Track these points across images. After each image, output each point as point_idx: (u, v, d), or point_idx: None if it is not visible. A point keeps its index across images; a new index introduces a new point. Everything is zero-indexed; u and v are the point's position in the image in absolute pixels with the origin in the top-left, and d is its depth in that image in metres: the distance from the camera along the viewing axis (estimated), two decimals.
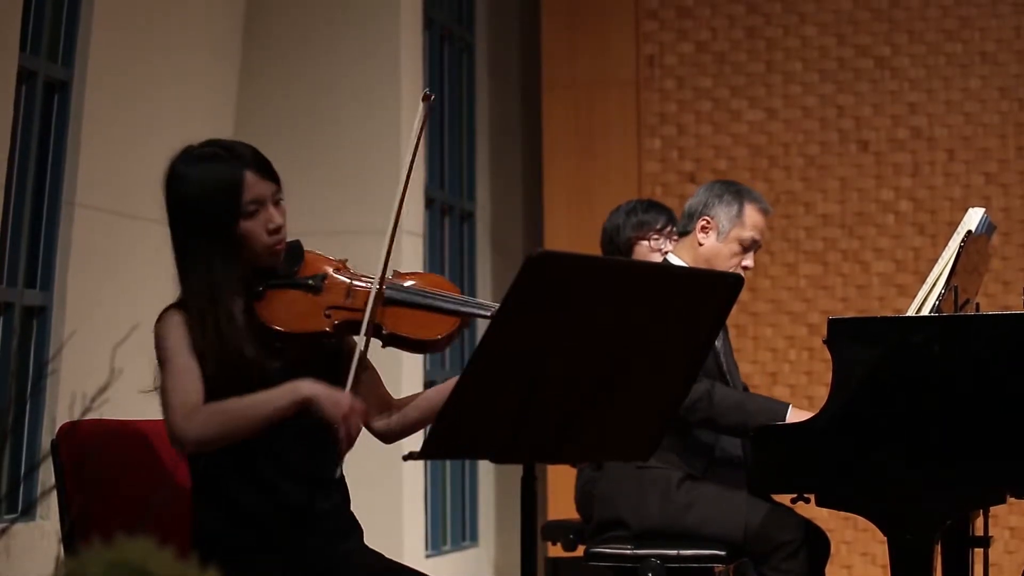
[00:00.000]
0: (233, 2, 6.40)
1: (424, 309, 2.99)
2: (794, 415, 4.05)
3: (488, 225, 7.96)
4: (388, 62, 6.48)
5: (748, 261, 4.33)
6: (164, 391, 2.86)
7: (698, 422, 4.16)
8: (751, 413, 4.05)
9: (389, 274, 3.01)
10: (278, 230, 2.96)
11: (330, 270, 3.03)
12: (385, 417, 3.10)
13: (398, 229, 3.01)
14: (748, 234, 4.30)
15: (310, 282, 3.00)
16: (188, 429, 2.81)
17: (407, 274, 3.09)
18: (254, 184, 2.94)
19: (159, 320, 2.93)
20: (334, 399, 2.84)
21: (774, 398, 4.59)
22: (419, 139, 2.99)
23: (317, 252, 3.08)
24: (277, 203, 2.98)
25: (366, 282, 3.00)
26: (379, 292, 2.96)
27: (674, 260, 4.37)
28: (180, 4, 5.91)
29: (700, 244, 4.31)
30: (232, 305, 2.93)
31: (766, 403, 4.19)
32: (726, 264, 4.29)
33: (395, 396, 3.16)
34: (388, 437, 3.12)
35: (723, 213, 4.30)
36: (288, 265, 3.01)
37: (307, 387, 2.85)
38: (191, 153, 2.99)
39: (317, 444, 2.99)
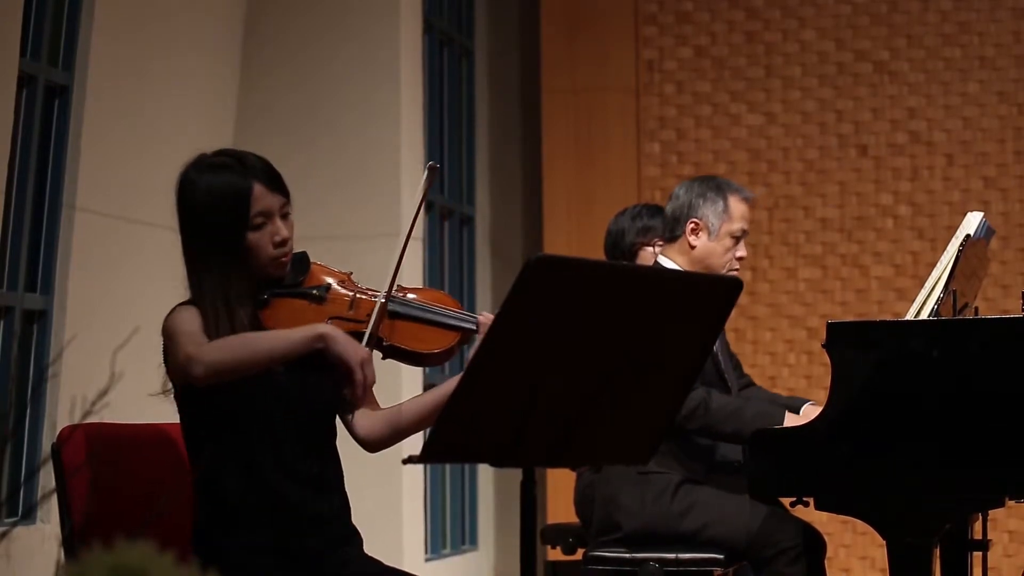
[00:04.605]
0: (233, 8, 6.40)
1: (425, 323, 3.05)
2: (789, 421, 4.05)
3: (488, 230, 7.97)
4: (388, 68, 6.49)
5: (741, 252, 4.35)
6: (174, 341, 2.87)
7: (696, 430, 4.16)
8: (747, 421, 4.05)
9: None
10: (284, 243, 2.99)
11: (334, 282, 3.08)
12: (370, 423, 3.10)
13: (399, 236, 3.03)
14: (737, 226, 4.32)
15: (314, 292, 3.04)
16: (202, 354, 2.82)
17: (410, 288, 3.13)
18: (262, 196, 2.96)
19: (171, 313, 2.95)
20: (352, 342, 2.89)
21: (791, 397, 4.49)
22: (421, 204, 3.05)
23: (322, 264, 3.11)
24: (285, 216, 3.00)
25: (370, 294, 3.05)
26: (383, 305, 3.00)
27: (665, 263, 4.36)
28: (180, 9, 5.91)
29: (692, 247, 4.32)
30: (239, 311, 2.96)
31: (763, 408, 4.17)
32: (721, 260, 4.31)
33: (396, 399, 3.17)
34: (373, 444, 3.11)
35: (710, 211, 4.31)
36: (294, 275, 3.05)
37: (324, 327, 2.90)
38: (203, 161, 3.02)
39: (316, 443, 3.01)
